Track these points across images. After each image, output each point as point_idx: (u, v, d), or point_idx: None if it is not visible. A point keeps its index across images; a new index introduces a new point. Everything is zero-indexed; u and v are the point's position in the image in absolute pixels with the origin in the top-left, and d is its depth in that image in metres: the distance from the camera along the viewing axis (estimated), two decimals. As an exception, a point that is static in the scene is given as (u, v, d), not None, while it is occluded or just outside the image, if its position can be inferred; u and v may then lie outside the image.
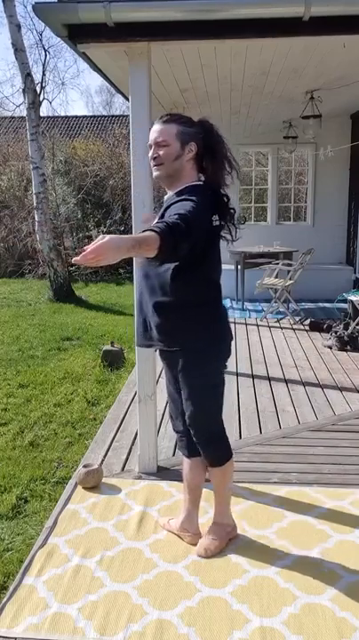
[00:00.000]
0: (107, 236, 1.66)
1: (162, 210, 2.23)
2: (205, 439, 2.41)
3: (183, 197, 2.11)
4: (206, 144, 2.21)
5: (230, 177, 2.25)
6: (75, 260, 1.66)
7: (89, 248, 1.63)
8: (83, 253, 1.62)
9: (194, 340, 2.26)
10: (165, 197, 2.30)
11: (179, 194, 2.19)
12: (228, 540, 2.54)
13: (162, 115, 2.25)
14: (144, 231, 1.85)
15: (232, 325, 2.40)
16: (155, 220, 2.25)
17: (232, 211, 2.27)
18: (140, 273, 2.32)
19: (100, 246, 1.63)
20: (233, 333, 2.43)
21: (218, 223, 2.21)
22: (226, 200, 2.25)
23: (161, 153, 2.20)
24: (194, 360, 2.28)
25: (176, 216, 1.94)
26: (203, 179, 2.26)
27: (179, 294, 2.20)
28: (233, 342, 2.40)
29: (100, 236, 1.67)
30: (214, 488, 2.56)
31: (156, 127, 2.22)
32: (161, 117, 2.23)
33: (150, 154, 2.24)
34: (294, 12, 2.61)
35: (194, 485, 2.56)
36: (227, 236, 2.28)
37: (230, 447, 2.51)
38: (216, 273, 2.29)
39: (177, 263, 2.10)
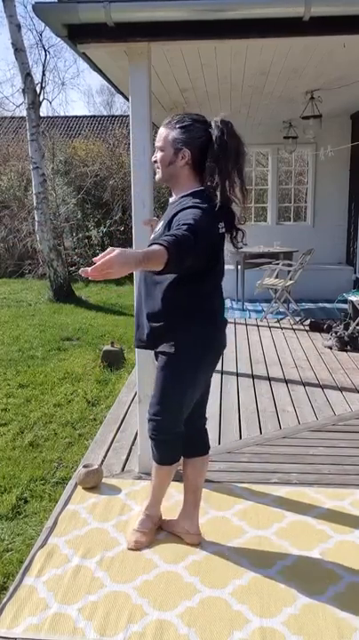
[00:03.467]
0: (116, 250, 1.64)
1: (167, 213, 2.21)
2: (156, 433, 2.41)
3: (190, 205, 2.08)
4: (215, 147, 2.11)
5: (234, 196, 2.14)
6: (82, 271, 1.64)
7: (98, 261, 1.62)
8: (93, 267, 1.62)
9: (181, 340, 2.22)
10: (170, 200, 2.30)
11: (183, 199, 2.17)
12: (156, 530, 2.61)
13: (170, 116, 2.24)
14: (151, 244, 1.84)
15: (232, 326, 2.39)
16: (159, 225, 2.24)
17: (233, 215, 2.22)
18: (140, 276, 2.32)
19: (109, 260, 1.62)
20: (225, 342, 2.39)
21: (224, 230, 2.19)
22: (229, 204, 2.18)
23: (158, 157, 2.23)
24: (172, 357, 2.24)
25: (184, 227, 1.92)
26: (215, 181, 2.14)
27: (176, 301, 2.18)
28: (232, 342, 2.38)
29: (109, 249, 1.65)
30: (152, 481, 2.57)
31: (159, 130, 2.24)
32: (167, 119, 2.23)
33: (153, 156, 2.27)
34: (294, 11, 2.61)
35: (194, 486, 2.55)
36: (234, 241, 2.26)
37: (176, 454, 2.49)
38: (218, 280, 2.27)
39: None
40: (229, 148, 2.11)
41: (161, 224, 2.24)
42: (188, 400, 2.36)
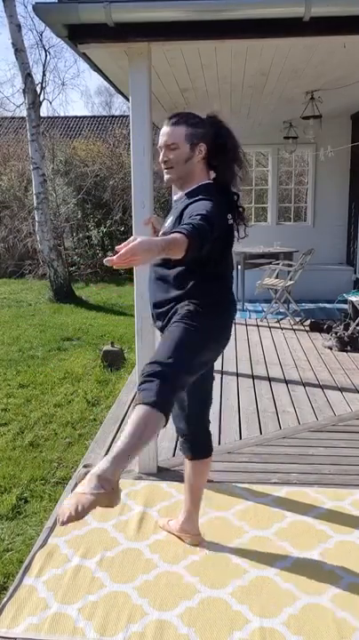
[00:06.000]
0: (139, 238, 1.65)
1: (176, 208, 2.21)
2: (154, 371, 1.90)
3: (200, 197, 2.10)
4: (215, 142, 2.20)
5: (240, 175, 2.25)
6: (108, 260, 1.63)
7: (122, 249, 1.62)
8: (119, 254, 1.61)
9: (202, 302, 2.13)
10: (175, 197, 2.30)
11: (190, 194, 2.18)
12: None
13: (170, 115, 2.22)
14: (172, 232, 1.86)
15: (232, 325, 2.38)
16: (169, 220, 2.25)
17: (241, 209, 2.27)
18: (151, 268, 2.31)
19: (134, 247, 1.61)
20: (232, 333, 2.38)
21: (232, 222, 2.22)
22: (236, 198, 2.26)
23: (171, 156, 2.19)
24: (192, 314, 2.09)
25: (198, 216, 1.93)
26: (214, 176, 2.26)
27: (189, 290, 2.16)
28: (232, 343, 2.37)
29: (132, 237, 1.66)
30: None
31: (166, 129, 2.20)
32: (170, 118, 2.21)
33: (160, 157, 2.23)
34: (294, 12, 2.61)
35: (195, 487, 2.54)
36: (236, 233, 2.27)
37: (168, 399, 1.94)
38: (229, 270, 2.28)
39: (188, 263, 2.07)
40: (227, 142, 2.21)
41: (170, 219, 2.24)
42: (198, 364, 2.08)
